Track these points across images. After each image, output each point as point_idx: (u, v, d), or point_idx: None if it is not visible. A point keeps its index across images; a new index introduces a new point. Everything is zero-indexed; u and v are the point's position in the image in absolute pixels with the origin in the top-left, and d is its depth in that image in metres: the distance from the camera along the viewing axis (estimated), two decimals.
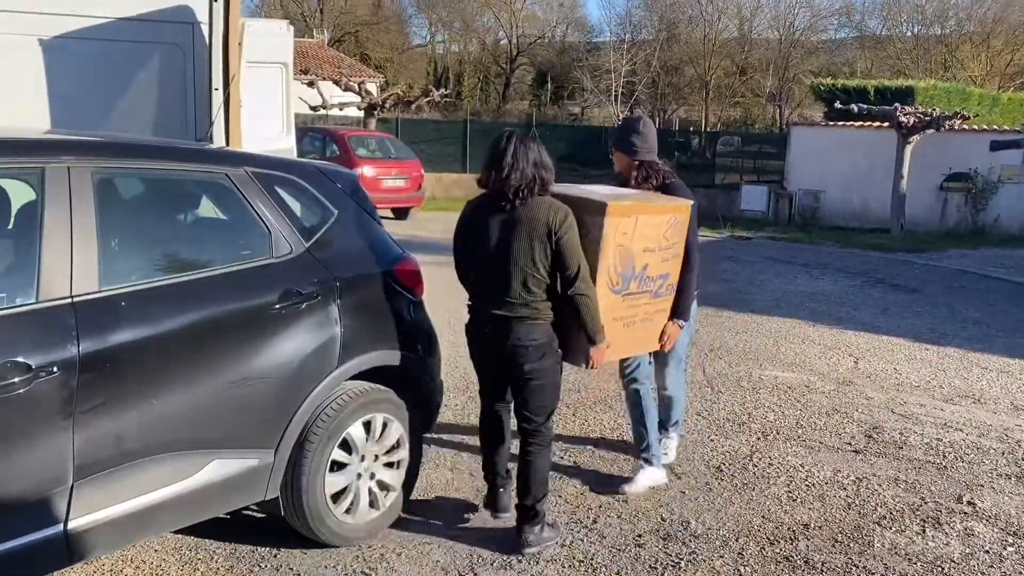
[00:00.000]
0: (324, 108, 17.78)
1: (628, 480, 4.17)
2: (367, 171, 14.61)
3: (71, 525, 2.62)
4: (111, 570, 3.26)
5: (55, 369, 2.54)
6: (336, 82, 17.88)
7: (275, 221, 3.27)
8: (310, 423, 3.27)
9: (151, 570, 3.29)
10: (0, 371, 2.45)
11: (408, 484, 3.73)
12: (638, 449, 4.22)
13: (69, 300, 2.64)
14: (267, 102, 7.88)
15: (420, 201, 15.97)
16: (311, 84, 17.03)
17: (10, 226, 2.98)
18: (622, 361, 4.08)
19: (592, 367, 3.55)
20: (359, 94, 17.79)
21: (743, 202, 18.49)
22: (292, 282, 3.24)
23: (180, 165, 3.11)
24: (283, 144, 7.83)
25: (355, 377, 3.46)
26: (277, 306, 3.16)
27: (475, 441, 4.67)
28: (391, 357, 3.59)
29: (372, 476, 3.56)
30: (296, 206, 3.41)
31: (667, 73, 40.62)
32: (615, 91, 31.15)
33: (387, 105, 18.30)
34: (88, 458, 2.64)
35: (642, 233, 3.54)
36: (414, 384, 3.75)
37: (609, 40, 43.36)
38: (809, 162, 18.15)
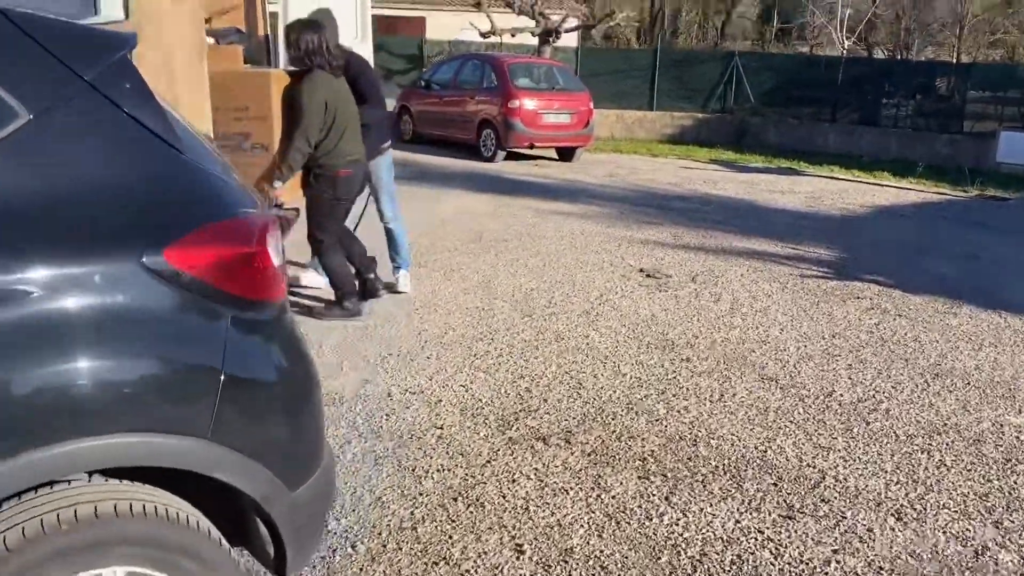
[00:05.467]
0: (494, 34, 15.84)
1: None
2: (526, 104, 12.52)
3: None
4: None
5: None
6: (509, 4, 15.68)
7: None
8: None
9: None
10: None
11: None
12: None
13: None
14: (340, 3, 6.17)
15: (588, 140, 13.64)
16: (477, 5, 15.08)
17: None
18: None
19: None
20: (533, 17, 15.64)
21: (1000, 152, 14.51)
22: None
23: None
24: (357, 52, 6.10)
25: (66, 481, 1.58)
26: None
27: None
28: (163, 450, 1.65)
29: None
30: None
31: (913, 6, 34.90)
32: (842, 16, 26.39)
33: (560, 30, 15.92)
34: None
35: None
36: (237, 508, 1.80)
37: None
38: None
